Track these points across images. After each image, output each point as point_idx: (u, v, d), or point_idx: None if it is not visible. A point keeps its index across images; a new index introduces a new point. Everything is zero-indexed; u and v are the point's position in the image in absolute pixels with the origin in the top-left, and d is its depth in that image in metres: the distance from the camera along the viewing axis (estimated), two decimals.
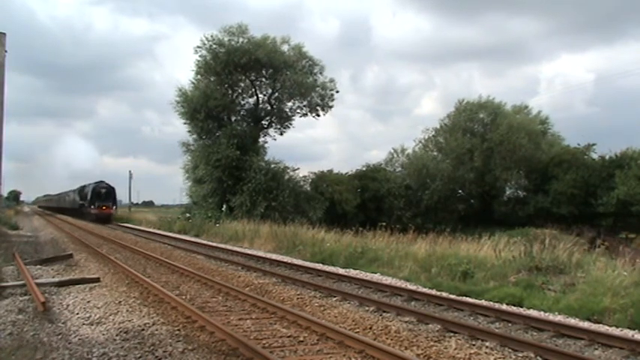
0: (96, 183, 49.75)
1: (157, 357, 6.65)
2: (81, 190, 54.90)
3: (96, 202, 47.48)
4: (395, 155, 47.82)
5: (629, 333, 8.42)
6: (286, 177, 38.37)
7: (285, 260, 17.81)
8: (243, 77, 40.44)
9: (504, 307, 10.29)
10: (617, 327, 8.82)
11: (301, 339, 7.63)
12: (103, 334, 7.72)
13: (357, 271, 15.15)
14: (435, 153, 48.08)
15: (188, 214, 38.66)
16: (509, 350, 7.30)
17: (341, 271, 15.18)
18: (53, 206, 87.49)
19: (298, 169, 39.97)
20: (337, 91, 40.81)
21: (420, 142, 49.36)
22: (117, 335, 7.65)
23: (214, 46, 38.58)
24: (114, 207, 50.10)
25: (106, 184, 49.90)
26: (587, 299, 9.92)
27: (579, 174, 38.41)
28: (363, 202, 42.22)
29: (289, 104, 41.35)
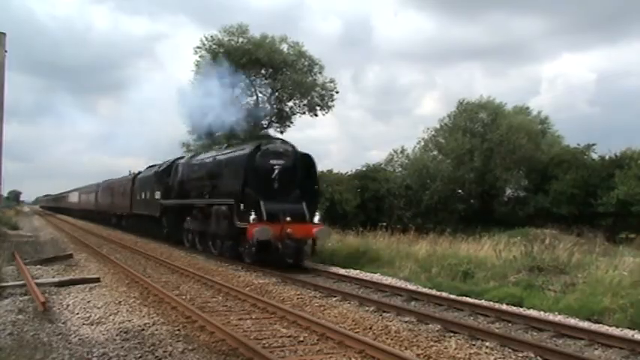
0: (257, 144, 17.02)
1: (157, 357, 6.65)
2: (191, 170, 21.26)
3: (263, 207, 15.30)
4: (395, 155, 47.80)
5: (629, 333, 8.43)
6: None
7: None
8: (243, 77, 40.43)
9: (504, 307, 10.29)
10: (617, 327, 8.82)
11: (301, 339, 7.64)
12: (103, 334, 7.72)
13: (358, 271, 15.14)
14: (435, 153, 48.07)
15: None
16: (509, 350, 7.30)
17: (341, 271, 15.17)
18: (65, 207, 66.83)
19: None
20: (337, 91, 40.80)
21: (421, 142, 49.36)
22: (117, 335, 7.64)
23: (214, 46, 38.59)
24: (317, 217, 16.30)
25: (287, 144, 17.48)
26: (587, 299, 9.93)
27: (579, 174, 38.37)
28: (363, 202, 42.16)
29: (289, 104, 41.37)
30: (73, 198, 57.81)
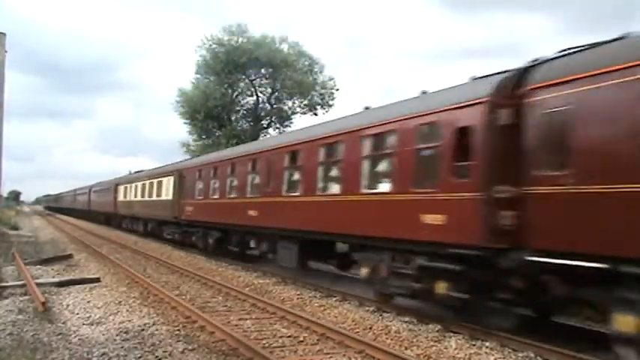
0: None
1: (157, 357, 6.65)
2: None
3: None
4: None
5: None
6: None
7: None
8: (243, 77, 40.48)
9: None
10: None
11: (301, 339, 7.64)
12: (103, 334, 7.71)
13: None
14: None
15: None
16: (509, 350, 7.29)
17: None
18: (93, 211, 44.26)
19: None
20: (337, 89, 40.85)
21: None
22: (117, 335, 7.64)
23: (214, 45, 38.64)
24: None
25: None
26: None
27: None
28: None
29: (289, 103, 41.44)
30: (109, 194, 35.85)
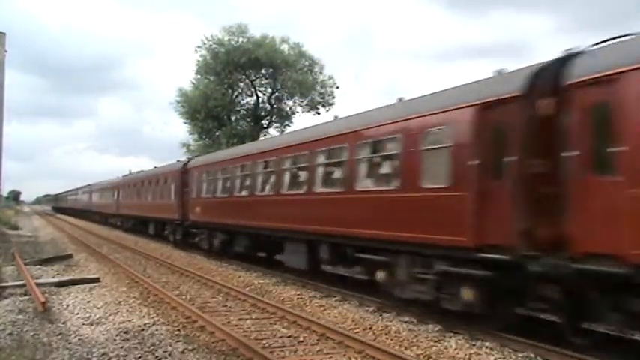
0: None
1: (157, 357, 6.65)
2: None
3: None
4: None
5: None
6: None
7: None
8: (243, 77, 40.49)
9: None
10: None
11: (301, 339, 7.64)
12: (103, 334, 7.72)
13: None
14: None
15: None
16: (509, 350, 7.29)
17: (341, 270, 15.14)
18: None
19: None
20: (337, 87, 40.85)
21: None
22: (117, 335, 7.65)
23: (214, 45, 38.65)
24: None
25: None
26: None
27: None
28: None
29: (289, 103, 41.45)
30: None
